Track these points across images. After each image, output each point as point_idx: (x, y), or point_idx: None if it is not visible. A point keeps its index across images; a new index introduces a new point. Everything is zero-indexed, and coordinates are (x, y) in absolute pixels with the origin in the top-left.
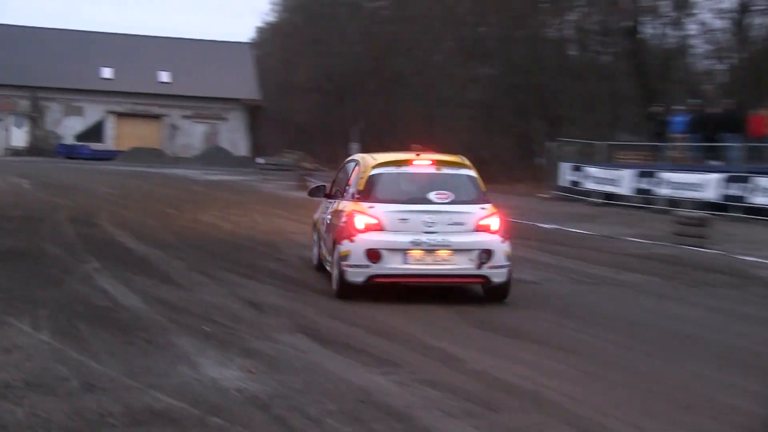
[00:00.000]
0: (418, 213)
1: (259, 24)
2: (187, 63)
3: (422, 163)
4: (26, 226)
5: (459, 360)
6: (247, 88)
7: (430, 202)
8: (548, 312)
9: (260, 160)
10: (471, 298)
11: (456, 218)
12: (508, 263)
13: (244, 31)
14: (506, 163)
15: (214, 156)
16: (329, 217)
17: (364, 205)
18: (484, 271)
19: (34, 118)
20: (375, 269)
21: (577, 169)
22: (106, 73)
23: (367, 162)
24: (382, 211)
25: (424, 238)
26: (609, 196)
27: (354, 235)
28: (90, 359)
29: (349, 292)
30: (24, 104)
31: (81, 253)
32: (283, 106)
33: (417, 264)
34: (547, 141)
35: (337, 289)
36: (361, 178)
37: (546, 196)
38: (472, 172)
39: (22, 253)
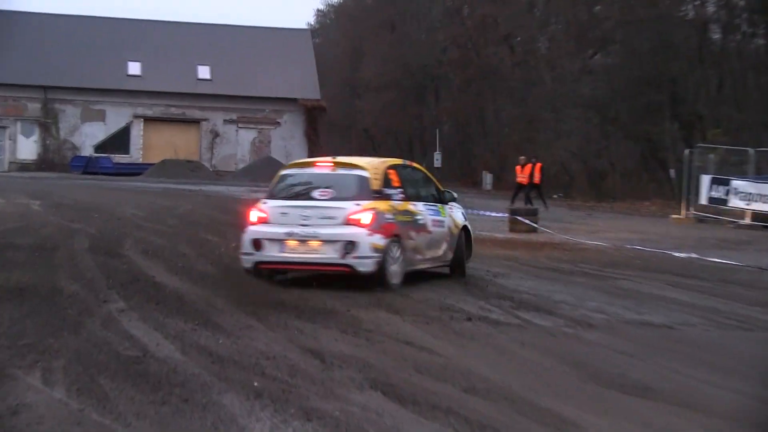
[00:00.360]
0: (297, 208)
1: (319, 6)
2: (232, 55)
3: (324, 164)
4: (37, 257)
5: (574, 424)
6: (305, 86)
7: (311, 198)
8: (686, 363)
9: None
10: (584, 347)
11: (329, 213)
12: (375, 254)
13: (301, 15)
14: (628, 176)
15: (265, 169)
16: None
17: (262, 201)
18: (348, 260)
19: (46, 124)
20: (258, 256)
21: (720, 182)
22: (133, 68)
23: (286, 165)
24: (269, 206)
25: (297, 230)
26: (762, 216)
27: (246, 227)
28: (114, 422)
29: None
30: (33, 108)
31: (103, 289)
32: (348, 106)
33: (292, 253)
34: (681, 148)
35: None
36: (274, 178)
37: (680, 216)
38: (366, 173)
39: (32, 290)
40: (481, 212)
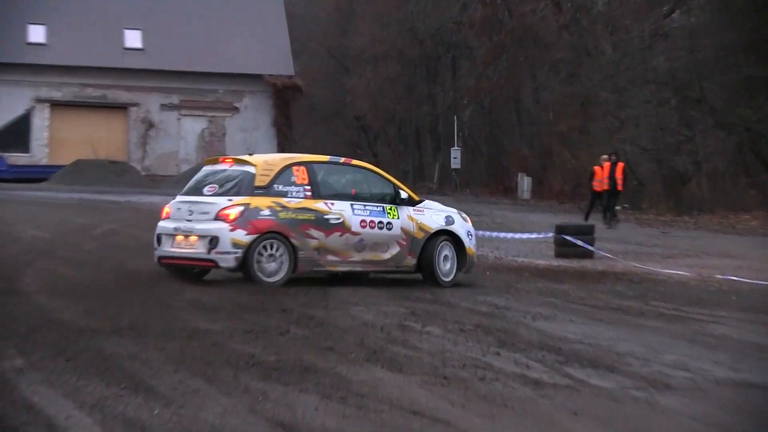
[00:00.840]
0: (187, 203)
1: None
2: (171, 16)
3: (225, 161)
4: None
5: None
6: (274, 58)
7: (201, 194)
8: None
9: None
10: (660, 417)
11: (206, 208)
12: (235, 250)
13: None
14: (719, 179)
15: None
16: None
17: (174, 197)
18: (212, 255)
19: None
20: (159, 251)
21: None
22: (36, 34)
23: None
24: (173, 201)
25: (182, 225)
26: None
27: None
28: None
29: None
30: None
31: None
32: (334, 86)
33: (178, 247)
34: None
35: None
36: None
37: None
38: (252, 170)
39: None
40: (516, 235)
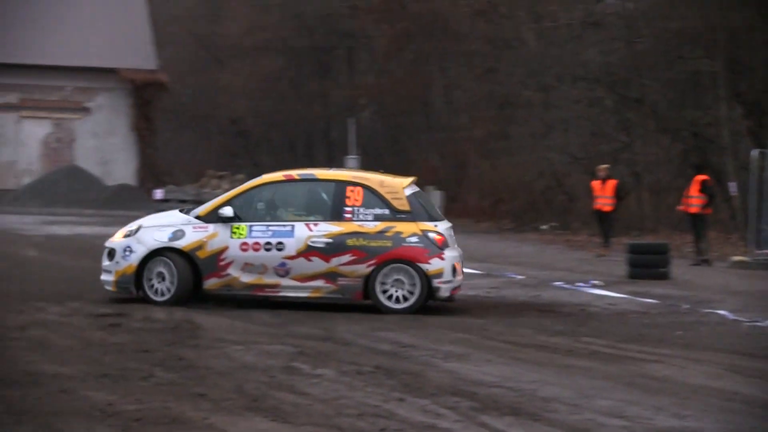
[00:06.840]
0: None
1: None
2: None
3: None
4: None
5: None
6: (132, 49)
7: None
8: None
9: (160, 194)
10: None
11: None
12: None
13: None
14: (664, 193)
15: (65, 186)
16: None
17: None
18: None
19: None
20: None
21: None
22: None
23: None
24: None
25: None
26: None
27: None
28: None
29: None
30: None
31: None
32: (206, 83)
33: None
34: (747, 146)
35: None
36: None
37: (745, 259)
38: None
39: None
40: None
